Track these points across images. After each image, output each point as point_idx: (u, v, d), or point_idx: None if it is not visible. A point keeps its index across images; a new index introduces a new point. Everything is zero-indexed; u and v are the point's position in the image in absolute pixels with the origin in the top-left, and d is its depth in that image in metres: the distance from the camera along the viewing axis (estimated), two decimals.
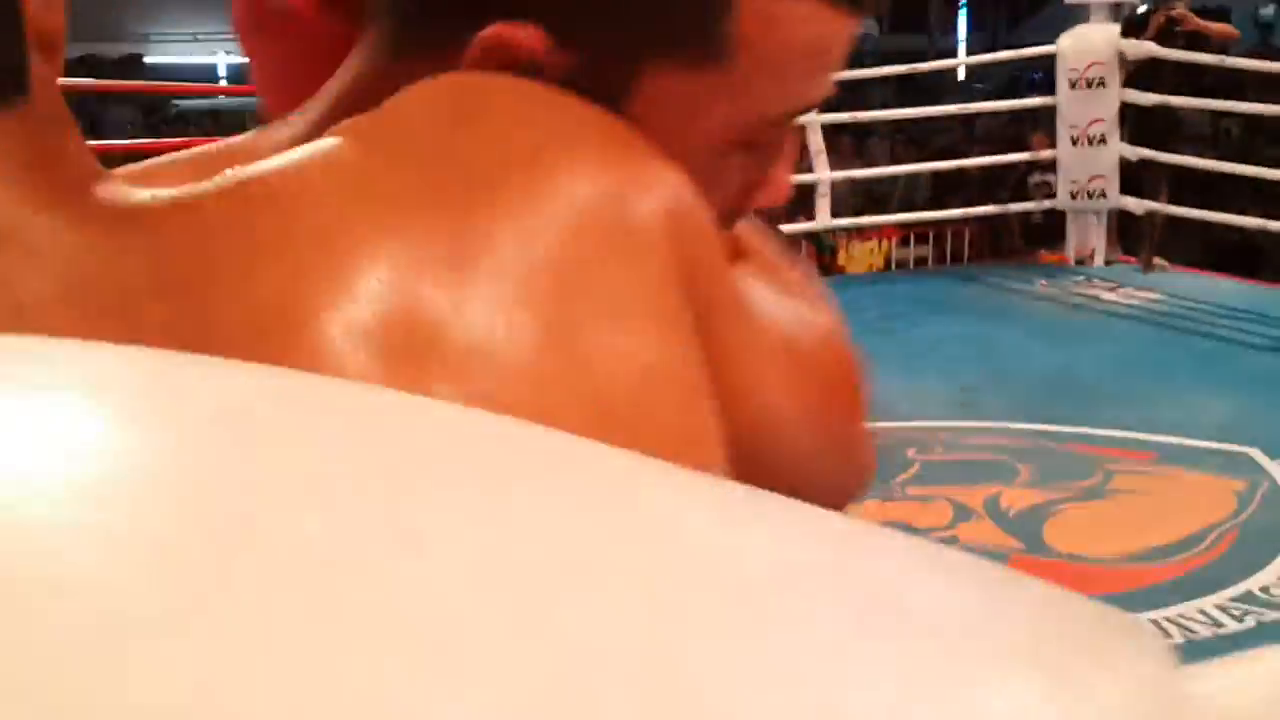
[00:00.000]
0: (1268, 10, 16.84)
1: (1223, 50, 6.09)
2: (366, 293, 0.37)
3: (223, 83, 13.72)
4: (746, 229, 0.60)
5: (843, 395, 0.60)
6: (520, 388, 0.38)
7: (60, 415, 0.23)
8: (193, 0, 13.77)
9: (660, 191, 0.43)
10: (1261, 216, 6.41)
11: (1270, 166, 6.39)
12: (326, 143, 0.41)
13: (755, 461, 0.50)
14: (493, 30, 0.48)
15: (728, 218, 0.54)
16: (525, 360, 0.38)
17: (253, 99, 0.54)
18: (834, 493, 0.61)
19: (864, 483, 0.63)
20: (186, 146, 0.53)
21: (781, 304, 0.56)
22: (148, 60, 14.37)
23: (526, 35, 0.48)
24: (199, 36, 13.91)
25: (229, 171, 0.40)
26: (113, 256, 0.38)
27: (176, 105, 10.81)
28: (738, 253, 0.57)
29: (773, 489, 0.58)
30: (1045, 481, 3.77)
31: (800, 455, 0.56)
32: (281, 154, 0.41)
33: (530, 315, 0.39)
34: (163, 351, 0.30)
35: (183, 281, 0.37)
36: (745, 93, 0.50)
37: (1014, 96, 8.29)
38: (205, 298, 0.37)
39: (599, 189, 0.42)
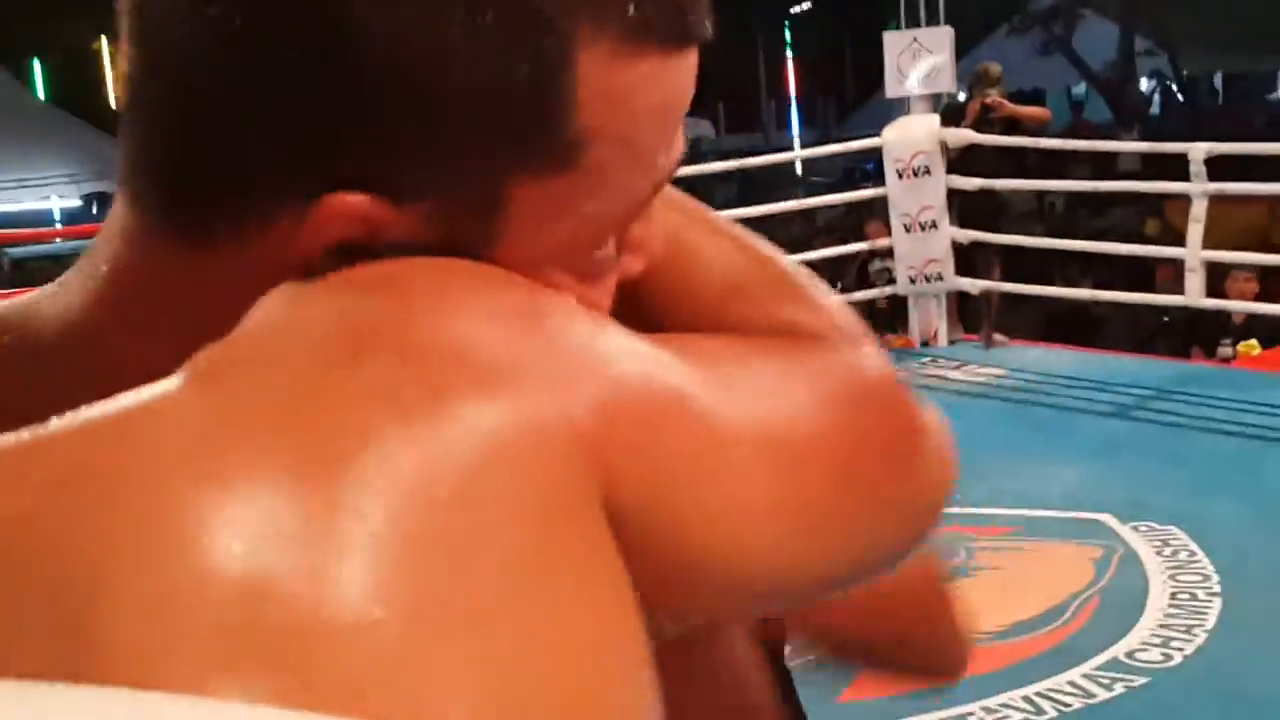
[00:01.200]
0: (1079, 89, 17.73)
1: (1039, 131, 6.37)
2: (201, 592, 0.33)
3: (58, 226, 13.42)
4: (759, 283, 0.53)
5: (877, 471, 0.51)
6: (391, 685, 0.33)
7: None
8: (20, 145, 13.47)
9: (570, 400, 0.39)
10: (1092, 285, 6.67)
11: (1094, 237, 6.67)
12: (165, 392, 0.37)
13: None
14: (323, 207, 0.42)
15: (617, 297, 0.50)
16: (394, 654, 0.33)
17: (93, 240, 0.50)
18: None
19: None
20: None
21: (782, 380, 0.49)
22: None
23: (357, 203, 0.43)
24: (26, 183, 13.60)
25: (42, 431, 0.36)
26: None
27: (8, 254, 10.48)
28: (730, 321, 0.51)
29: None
30: None
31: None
32: (111, 403, 0.36)
33: (404, 596, 0.34)
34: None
35: None
36: (610, 181, 0.46)
37: (850, 188, 8.53)
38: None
39: (484, 432, 0.37)
